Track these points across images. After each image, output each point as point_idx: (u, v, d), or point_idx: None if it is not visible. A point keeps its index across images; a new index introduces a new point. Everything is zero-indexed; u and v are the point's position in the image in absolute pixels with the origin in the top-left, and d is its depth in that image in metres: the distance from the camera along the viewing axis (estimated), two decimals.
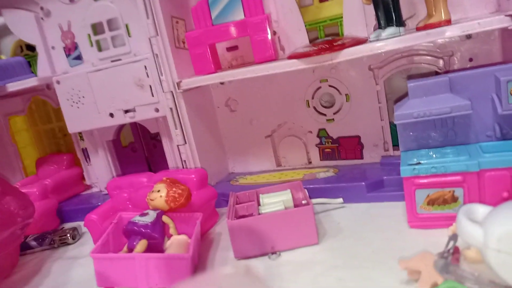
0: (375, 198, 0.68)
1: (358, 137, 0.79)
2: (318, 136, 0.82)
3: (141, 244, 0.55)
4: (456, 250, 0.47)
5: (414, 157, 0.56)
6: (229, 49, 0.81)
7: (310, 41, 0.74)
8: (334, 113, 0.79)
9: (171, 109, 0.77)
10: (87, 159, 0.98)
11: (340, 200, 0.68)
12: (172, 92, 0.76)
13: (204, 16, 0.72)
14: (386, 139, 0.77)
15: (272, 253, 0.56)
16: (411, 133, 0.60)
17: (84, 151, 0.98)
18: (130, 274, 0.52)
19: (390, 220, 0.60)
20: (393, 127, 0.76)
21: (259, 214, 0.58)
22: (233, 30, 0.71)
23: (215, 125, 0.88)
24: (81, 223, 0.73)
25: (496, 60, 0.66)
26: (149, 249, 0.55)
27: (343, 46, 0.62)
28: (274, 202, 0.62)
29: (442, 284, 0.40)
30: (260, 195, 0.66)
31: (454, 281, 0.41)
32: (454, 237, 0.47)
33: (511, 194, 0.51)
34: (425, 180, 0.54)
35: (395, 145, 0.77)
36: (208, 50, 0.73)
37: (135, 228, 0.56)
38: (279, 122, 0.85)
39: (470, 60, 0.68)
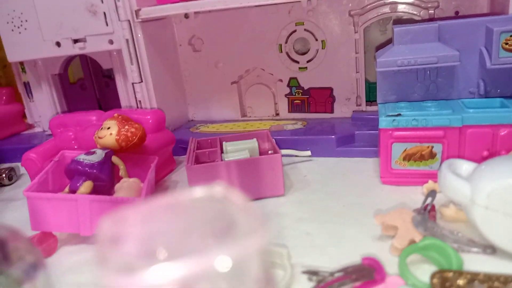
0: (345, 153, 0.64)
1: (331, 89, 0.74)
2: (288, 85, 0.76)
3: (86, 185, 0.48)
4: (432, 208, 0.44)
5: (393, 109, 0.52)
6: None
7: None
8: (307, 61, 0.73)
9: (127, 40, 0.68)
10: (30, 95, 0.88)
11: (308, 152, 0.64)
12: (129, 21, 0.67)
13: None
14: (360, 93, 0.73)
15: None
16: (391, 83, 0.55)
17: (26, 85, 0.88)
18: (71, 218, 0.45)
19: (361, 176, 0.57)
20: (367, 83, 0.72)
21: (222, 161, 0.53)
22: None
23: (176, 65, 0.80)
24: (20, 164, 0.65)
25: None
26: (95, 192, 0.49)
27: None
28: (239, 149, 0.57)
29: (422, 241, 0.37)
30: (224, 143, 0.60)
31: (433, 237, 0.38)
32: (432, 193, 0.43)
33: (491, 153, 0.48)
34: (404, 133, 0.50)
35: (368, 101, 0.73)
36: None
37: (80, 167, 0.49)
38: (248, 68, 0.78)
39: (456, 13, 0.64)
